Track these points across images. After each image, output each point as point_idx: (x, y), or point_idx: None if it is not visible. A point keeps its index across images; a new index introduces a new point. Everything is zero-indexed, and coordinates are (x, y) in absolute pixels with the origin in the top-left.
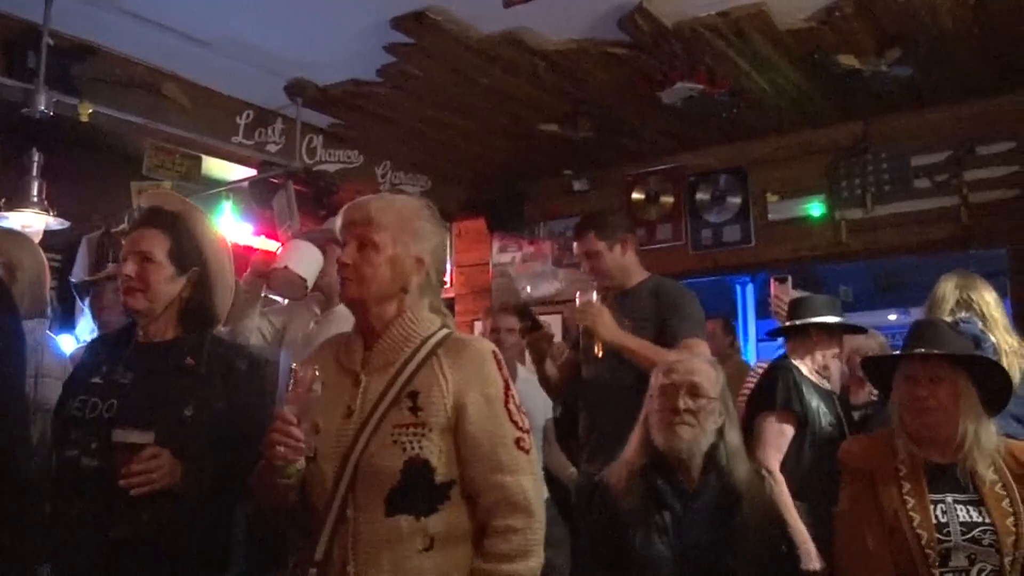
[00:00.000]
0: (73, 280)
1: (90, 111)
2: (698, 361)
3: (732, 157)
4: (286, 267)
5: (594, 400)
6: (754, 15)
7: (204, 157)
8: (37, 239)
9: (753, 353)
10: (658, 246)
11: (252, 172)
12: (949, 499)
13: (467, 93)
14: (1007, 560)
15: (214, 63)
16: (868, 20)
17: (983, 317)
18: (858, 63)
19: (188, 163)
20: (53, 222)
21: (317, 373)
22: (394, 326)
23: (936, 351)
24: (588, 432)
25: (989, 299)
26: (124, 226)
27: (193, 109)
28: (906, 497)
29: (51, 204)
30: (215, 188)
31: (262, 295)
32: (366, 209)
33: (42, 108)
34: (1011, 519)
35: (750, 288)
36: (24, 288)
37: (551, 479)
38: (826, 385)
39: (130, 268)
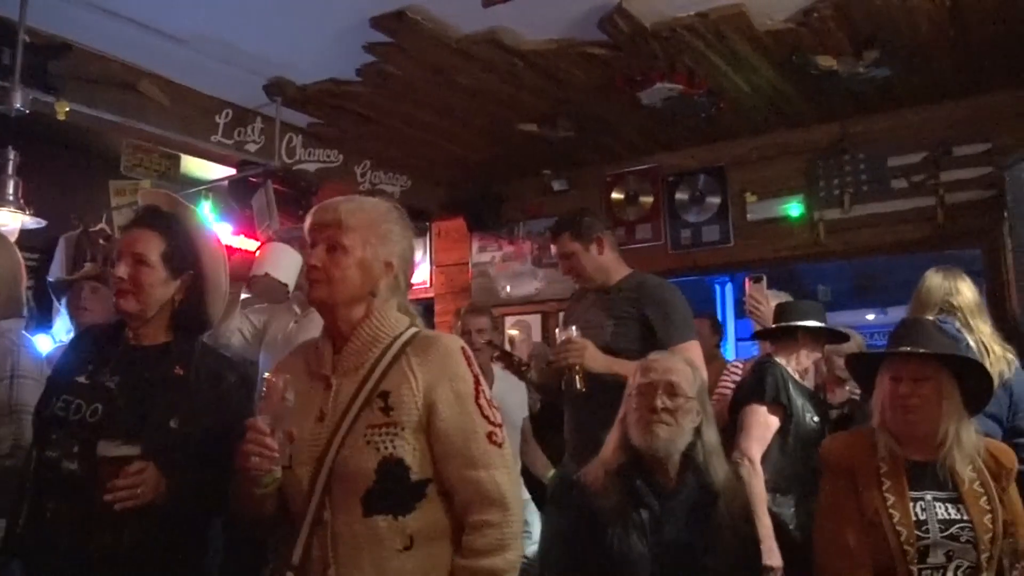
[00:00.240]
0: (50, 279)
1: (67, 109)
2: (675, 360)
3: (711, 157)
4: (266, 274)
5: (578, 400)
6: (732, 16)
7: (183, 156)
8: (13, 238)
9: (733, 353)
10: (637, 246)
11: (231, 171)
12: (928, 496)
13: (446, 93)
14: (984, 557)
15: (193, 61)
16: (845, 22)
17: (963, 315)
18: (835, 64)
19: (166, 162)
20: (29, 221)
21: (289, 382)
22: (362, 328)
23: (921, 350)
24: (572, 431)
25: (969, 296)
26: (102, 225)
27: (171, 108)
28: (886, 494)
29: (27, 203)
30: (194, 187)
31: (241, 298)
32: (335, 211)
33: (18, 106)
34: (988, 516)
35: (729, 288)
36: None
37: (530, 477)
38: (808, 385)
39: (123, 270)
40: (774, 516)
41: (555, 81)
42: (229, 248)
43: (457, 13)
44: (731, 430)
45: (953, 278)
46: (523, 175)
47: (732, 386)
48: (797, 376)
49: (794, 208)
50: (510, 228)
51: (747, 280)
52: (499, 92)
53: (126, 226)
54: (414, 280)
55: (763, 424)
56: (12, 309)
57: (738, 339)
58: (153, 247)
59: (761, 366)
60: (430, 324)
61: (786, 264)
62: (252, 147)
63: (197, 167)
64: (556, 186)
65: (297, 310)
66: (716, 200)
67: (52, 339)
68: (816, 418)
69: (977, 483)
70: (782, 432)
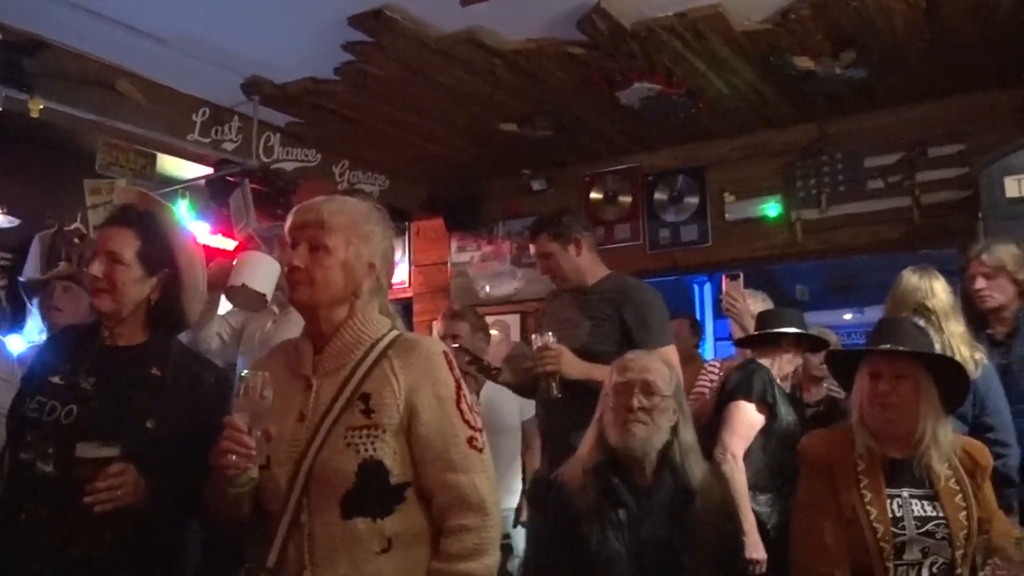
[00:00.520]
0: (22, 279)
1: (41, 107)
2: (652, 359)
3: (689, 157)
4: (244, 285)
5: (552, 403)
6: (711, 16)
7: (159, 155)
8: None
9: (711, 352)
10: (616, 245)
11: (208, 170)
12: (905, 493)
13: (425, 92)
14: (958, 553)
15: (169, 60)
16: (823, 23)
17: (936, 317)
18: (813, 65)
19: (142, 160)
20: (3, 220)
21: (267, 379)
22: (344, 329)
23: (901, 348)
24: (546, 433)
25: (944, 297)
26: (77, 224)
27: (148, 106)
28: (863, 491)
29: (1, 201)
30: (171, 186)
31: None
32: (318, 211)
33: None
34: (963, 513)
35: (708, 287)
36: None
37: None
38: (786, 388)
39: (97, 268)
40: (753, 514)
41: (534, 81)
42: (207, 248)
43: (436, 12)
44: (710, 429)
45: (929, 279)
46: (502, 175)
47: (710, 385)
48: (778, 380)
49: (772, 208)
50: (489, 228)
51: (724, 278)
52: (478, 91)
53: (102, 224)
54: (394, 280)
55: (748, 421)
56: None
57: (717, 339)
58: (128, 245)
59: (746, 367)
60: (408, 324)
61: (764, 264)
62: (229, 146)
63: (174, 166)
64: (535, 186)
65: (275, 310)
66: (694, 200)
67: (24, 340)
68: (796, 419)
69: (953, 480)
70: (765, 432)
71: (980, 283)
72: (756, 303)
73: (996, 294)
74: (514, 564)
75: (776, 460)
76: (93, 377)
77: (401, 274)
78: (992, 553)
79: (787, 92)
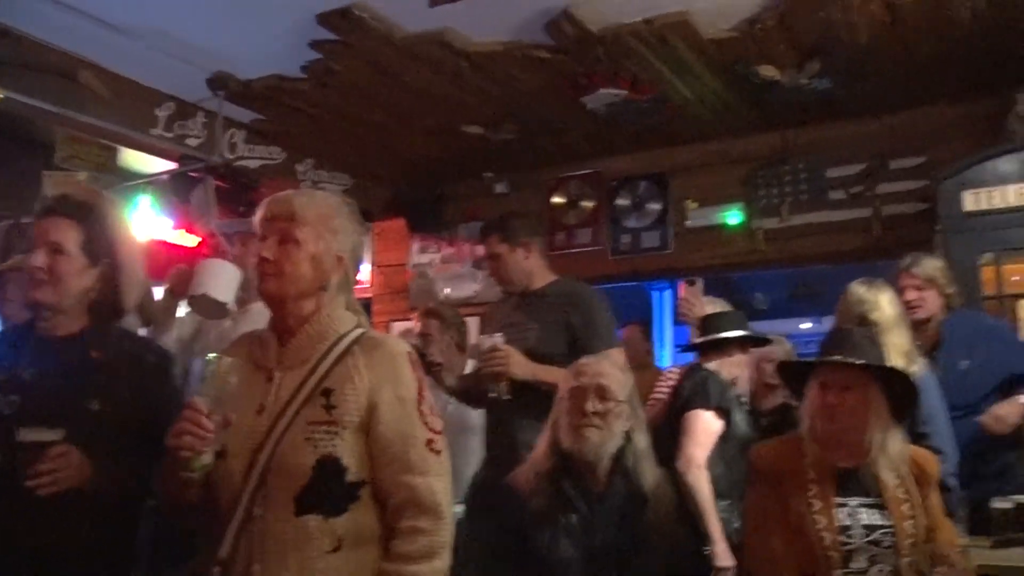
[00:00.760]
0: None
1: (1, 96)
2: (606, 364)
3: (653, 163)
4: (204, 295)
5: (499, 406)
6: (678, 24)
7: (122, 149)
8: None
9: (669, 360)
10: (577, 250)
11: (172, 165)
12: (854, 502)
13: (391, 92)
14: (904, 561)
15: (134, 52)
16: (789, 33)
17: (879, 329)
18: (778, 75)
19: (104, 154)
20: None
21: (234, 365)
22: (310, 323)
23: (850, 359)
24: (491, 436)
25: (888, 311)
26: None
27: (111, 99)
28: (812, 500)
29: None
30: (133, 180)
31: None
32: (289, 204)
33: None
34: (910, 522)
35: (668, 294)
36: None
37: None
38: (740, 392)
39: (40, 259)
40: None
41: (500, 83)
42: (169, 244)
43: (404, 12)
44: (663, 435)
45: (876, 292)
46: (465, 177)
47: (669, 391)
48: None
49: (734, 216)
50: (451, 230)
51: (682, 284)
52: (444, 93)
53: (38, 215)
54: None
55: (708, 429)
56: None
57: (676, 346)
58: (70, 236)
59: (697, 373)
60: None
61: (724, 271)
62: (193, 141)
63: (136, 160)
64: (498, 188)
65: (233, 307)
66: (657, 206)
67: None
68: (749, 424)
69: (901, 489)
70: (723, 438)
71: (911, 295)
72: (715, 309)
73: (925, 306)
74: None
75: (734, 466)
76: (32, 368)
77: (362, 274)
78: (938, 562)
79: (751, 101)
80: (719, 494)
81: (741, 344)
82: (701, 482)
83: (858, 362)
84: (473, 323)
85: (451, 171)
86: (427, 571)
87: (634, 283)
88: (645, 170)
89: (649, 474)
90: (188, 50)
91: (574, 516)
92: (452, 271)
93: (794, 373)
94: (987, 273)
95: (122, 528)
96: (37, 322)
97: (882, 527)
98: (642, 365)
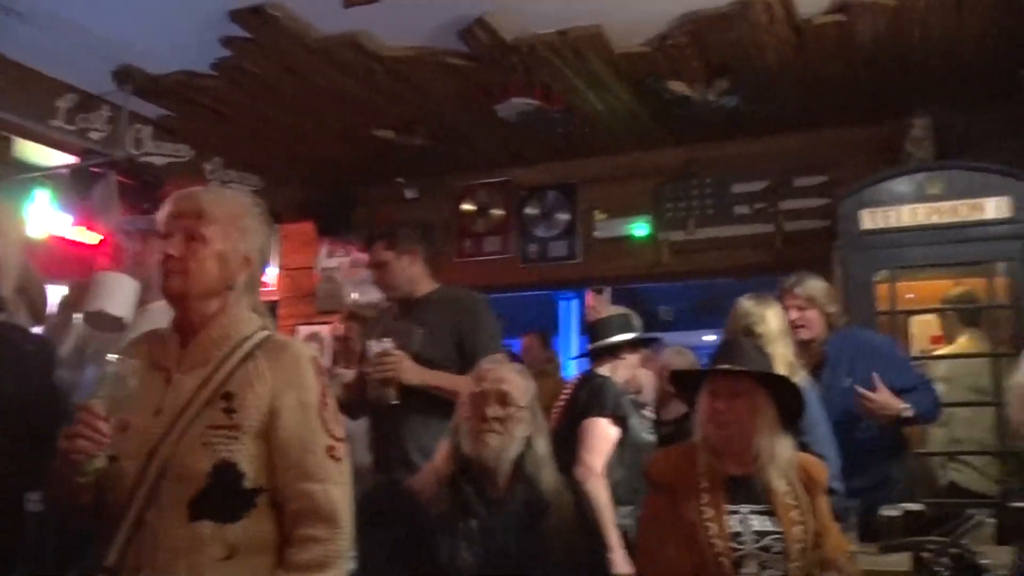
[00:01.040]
0: None
1: None
2: (507, 370)
3: (562, 174)
4: (100, 311)
5: (385, 412)
6: (591, 36)
7: (19, 140)
8: None
9: (575, 369)
10: (486, 258)
11: (73, 159)
12: (745, 509)
13: (303, 93)
14: (793, 566)
15: (34, 40)
16: (699, 50)
17: (763, 342)
18: (688, 91)
19: None
20: None
21: (134, 368)
22: (213, 324)
23: (738, 367)
24: (378, 443)
25: (773, 325)
26: None
27: (6, 87)
28: (704, 508)
29: None
30: (29, 173)
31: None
32: (197, 201)
33: None
34: (799, 528)
35: (574, 304)
36: None
37: None
38: (646, 400)
39: None
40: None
41: (413, 88)
42: (68, 241)
43: (317, 12)
44: (563, 442)
45: (762, 306)
46: (376, 181)
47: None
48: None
49: (640, 228)
50: (360, 234)
51: (589, 292)
52: (356, 96)
53: None
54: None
55: (605, 437)
56: None
57: (572, 357)
58: None
59: (591, 381)
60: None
61: (630, 283)
62: (96, 135)
63: (34, 152)
64: (408, 194)
65: (130, 321)
66: (565, 216)
67: None
68: (648, 430)
69: (791, 496)
70: (620, 444)
71: (793, 314)
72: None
73: (809, 326)
74: None
75: (633, 472)
76: None
77: (269, 276)
78: (826, 567)
79: (661, 115)
80: (620, 500)
81: (632, 345)
82: (599, 490)
83: (746, 370)
84: None
85: (361, 175)
86: None
87: (542, 292)
88: (555, 180)
89: (549, 480)
90: (93, 40)
91: (474, 522)
92: (360, 275)
93: (688, 383)
94: (882, 290)
95: (5, 524)
96: None
97: (772, 533)
98: (541, 373)
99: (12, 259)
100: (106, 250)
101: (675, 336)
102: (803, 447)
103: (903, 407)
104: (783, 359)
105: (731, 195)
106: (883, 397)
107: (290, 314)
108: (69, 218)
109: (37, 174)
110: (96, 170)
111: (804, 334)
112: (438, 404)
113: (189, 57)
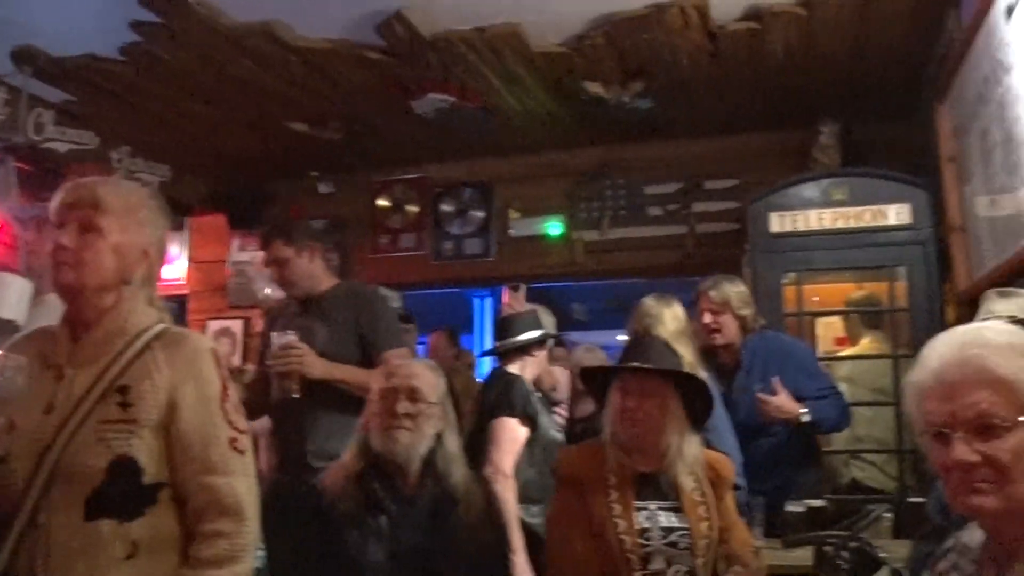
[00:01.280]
0: None
1: None
2: (418, 366)
3: (478, 171)
4: None
5: (286, 408)
6: (509, 34)
7: None
8: None
9: (488, 367)
10: (400, 254)
11: None
12: (653, 506)
13: (215, 82)
14: (699, 562)
15: None
16: (615, 52)
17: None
18: (603, 91)
19: None
20: None
21: (23, 366)
22: (107, 318)
23: (647, 365)
24: (281, 440)
25: (671, 326)
26: None
27: None
28: (613, 504)
29: None
30: None
31: None
32: (92, 191)
33: None
34: (706, 524)
35: (488, 302)
36: None
37: None
38: (560, 397)
39: None
40: (526, 526)
41: (328, 81)
42: None
43: (232, 0)
44: (474, 440)
45: (662, 307)
46: (290, 175)
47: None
48: (530, 385)
49: (554, 227)
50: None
51: (506, 288)
52: (270, 87)
53: None
54: (170, 275)
55: (514, 437)
56: None
57: (481, 354)
58: None
59: (500, 379)
60: (182, 322)
61: (544, 281)
62: None
63: None
64: (322, 188)
65: (22, 323)
66: (480, 214)
67: None
68: (558, 428)
69: (697, 492)
70: (529, 443)
71: (707, 318)
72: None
73: (723, 331)
74: None
75: (543, 470)
76: None
77: (178, 270)
78: (732, 562)
79: (577, 115)
80: (530, 499)
81: (539, 344)
82: (507, 491)
83: (655, 368)
84: None
85: (275, 168)
86: None
87: (456, 289)
88: (470, 177)
89: (459, 477)
90: None
91: (383, 518)
92: None
93: (598, 380)
94: (789, 292)
95: None
96: None
97: (679, 529)
98: (450, 370)
99: None
100: (3, 239)
101: (589, 335)
102: (707, 444)
103: (801, 411)
104: (684, 360)
105: (644, 196)
106: (780, 400)
107: (201, 308)
108: None
109: None
110: None
111: (718, 339)
112: (344, 400)
113: (95, 40)
